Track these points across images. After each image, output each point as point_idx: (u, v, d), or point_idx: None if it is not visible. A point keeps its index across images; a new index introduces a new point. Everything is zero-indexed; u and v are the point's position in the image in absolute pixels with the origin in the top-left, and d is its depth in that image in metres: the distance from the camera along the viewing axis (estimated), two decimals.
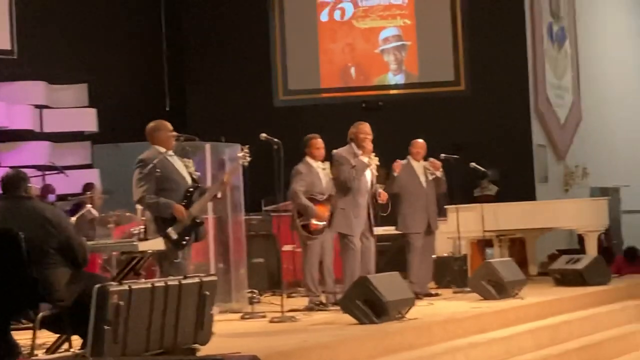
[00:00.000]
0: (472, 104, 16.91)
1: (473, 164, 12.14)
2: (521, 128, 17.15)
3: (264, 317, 9.08)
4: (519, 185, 16.15)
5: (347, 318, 8.44)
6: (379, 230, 10.37)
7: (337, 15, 17.55)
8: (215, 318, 6.67)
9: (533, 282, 12.01)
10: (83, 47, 15.52)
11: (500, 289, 10.25)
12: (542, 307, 10.02)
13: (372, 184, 9.95)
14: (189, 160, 8.41)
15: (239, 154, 8.74)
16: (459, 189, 11.75)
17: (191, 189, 8.15)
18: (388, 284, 8.54)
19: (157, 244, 7.33)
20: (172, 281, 6.28)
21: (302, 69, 17.47)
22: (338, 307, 8.98)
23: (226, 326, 8.37)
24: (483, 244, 13.21)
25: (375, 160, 9.89)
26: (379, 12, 17.55)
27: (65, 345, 6.56)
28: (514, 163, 16.60)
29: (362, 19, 17.55)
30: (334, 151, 9.98)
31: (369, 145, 9.89)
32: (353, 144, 9.94)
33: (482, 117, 16.74)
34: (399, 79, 17.56)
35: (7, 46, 14.61)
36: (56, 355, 6.53)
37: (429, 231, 11.05)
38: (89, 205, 11.08)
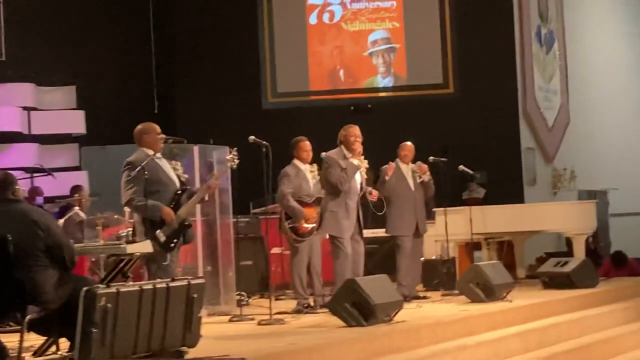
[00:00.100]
0: (460, 106, 16.93)
1: (461, 167, 12.16)
2: (509, 131, 17.19)
3: (252, 319, 9.07)
4: (507, 188, 16.17)
5: (335, 321, 8.43)
6: (367, 233, 10.37)
7: (326, 17, 17.56)
8: (203, 320, 6.66)
9: (521, 285, 12.01)
10: (71, 50, 15.49)
11: (489, 292, 10.26)
12: (530, 310, 10.03)
13: (361, 187, 9.96)
14: (177, 162, 8.41)
15: (227, 157, 8.75)
16: (447, 192, 11.75)
17: (179, 192, 8.14)
18: (376, 287, 8.53)
19: (145, 246, 7.32)
20: (160, 284, 6.27)
21: (291, 72, 17.47)
22: (326, 310, 8.97)
23: (214, 329, 8.36)
24: (471, 246, 13.22)
25: (364, 163, 9.91)
26: (367, 15, 17.56)
27: (53, 348, 6.54)
28: (502, 166, 16.63)
29: (351, 21, 17.55)
30: (324, 154, 9.98)
31: (359, 148, 9.90)
32: (343, 147, 9.95)
33: (471, 120, 16.76)
34: (388, 82, 17.58)
35: None
36: (44, 358, 6.50)
37: (418, 234, 11.07)
38: (76, 208, 11.05)
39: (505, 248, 13.69)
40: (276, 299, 10.52)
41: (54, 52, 15.26)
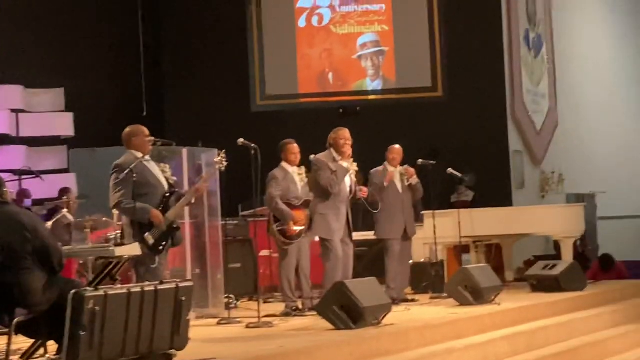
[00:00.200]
0: (449, 110, 16.95)
1: (450, 170, 12.18)
2: (498, 134, 17.22)
3: (240, 322, 9.07)
4: (495, 191, 16.19)
5: (324, 324, 8.43)
6: (356, 236, 10.38)
7: (315, 20, 17.57)
8: (191, 323, 6.65)
9: (509, 288, 12.03)
10: (60, 52, 15.46)
11: (477, 295, 10.28)
12: (518, 313, 10.04)
13: (351, 190, 9.96)
14: (166, 165, 8.40)
15: (216, 159, 8.75)
16: (435, 195, 11.76)
17: (168, 194, 8.13)
18: (365, 290, 8.54)
19: (133, 249, 7.30)
20: (149, 287, 6.25)
21: (280, 74, 17.47)
22: (315, 313, 8.97)
23: (203, 332, 8.36)
24: (460, 249, 13.23)
25: (354, 166, 9.91)
26: (357, 18, 17.57)
27: (41, 351, 6.53)
28: (491, 169, 16.65)
29: (340, 24, 17.56)
30: (313, 156, 9.98)
31: (349, 151, 9.90)
32: (332, 150, 9.94)
33: (459, 123, 16.78)
34: (377, 85, 17.59)
35: None
36: None
37: (406, 237, 11.08)
38: (64, 210, 11.04)
39: (494, 251, 13.71)
40: (265, 302, 10.51)
41: (42, 54, 15.23)
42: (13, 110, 14.73)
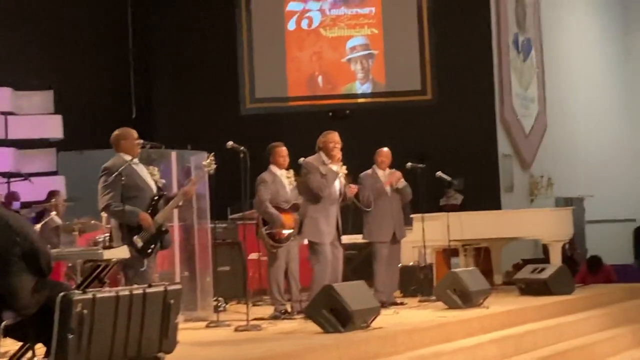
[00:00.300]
0: (438, 113, 16.98)
1: (439, 173, 12.18)
2: (487, 138, 17.25)
3: (229, 325, 9.05)
4: (484, 195, 16.22)
5: (313, 327, 8.43)
6: (345, 239, 10.38)
7: (304, 24, 17.57)
8: (180, 326, 6.64)
9: (498, 292, 12.05)
10: (49, 54, 15.44)
11: (466, 298, 10.29)
12: (506, 317, 10.05)
13: (340, 193, 9.95)
14: (155, 168, 8.40)
15: (204, 162, 8.74)
16: (424, 198, 11.77)
17: (156, 197, 8.13)
18: (353, 293, 8.54)
19: (122, 252, 7.29)
20: (137, 290, 6.25)
21: (270, 77, 17.47)
22: (303, 316, 8.97)
23: (191, 335, 8.34)
24: (449, 253, 13.24)
25: (343, 169, 9.90)
26: (346, 21, 17.59)
27: (29, 354, 6.51)
28: (480, 172, 16.68)
29: (329, 27, 17.58)
30: (302, 159, 9.97)
31: (338, 154, 9.88)
32: (322, 153, 9.92)
33: (448, 127, 16.81)
34: (366, 88, 17.61)
35: None
36: None
37: (395, 240, 11.08)
38: (53, 213, 11.01)
39: (483, 254, 13.72)
40: (253, 305, 10.51)
41: (31, 56, 15.21)
42: (2, 113, 14.71)
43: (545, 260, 13.67)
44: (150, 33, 17.72)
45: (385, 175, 11.12)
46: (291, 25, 17.57)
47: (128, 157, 8.09)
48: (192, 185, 8.53)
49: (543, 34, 19.86)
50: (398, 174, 11.15)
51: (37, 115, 15.17)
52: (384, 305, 10.10)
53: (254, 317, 9.20)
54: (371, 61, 17.54)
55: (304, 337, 8.17)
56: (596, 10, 23.17)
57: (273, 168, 9.97)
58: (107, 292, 6.12)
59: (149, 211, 8.01)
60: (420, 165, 11.60)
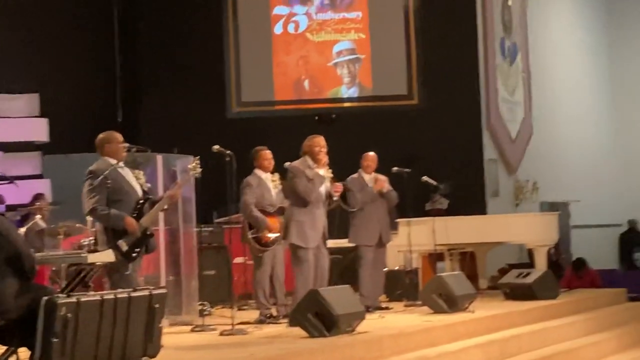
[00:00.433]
0: (424, 117, 16.98)
1: (425, 178, 12.20)
2: (473, 142, 17.26)
3: (214, 330, 9.04)
4: (470, 199, 16.23)
5: (298, 331, 8.43)
6: (331, 243, 10.37)
7: (291, 28, 17.57)
8: (165, 330, 6.63)
9: (483, 296, 12.06)
10: (34, 57, 15.39)
11: (451, 303, 10.30)
12: (492, 321, 10.07)
13: (326, 197, 9.94)
14: (140, 171, 8.38)
15: (190, 166, 8.72)
16: (410, 203, 11.78)
17: (142, 201, 8.11)
18: (339, 297, 8.54)
19: (106, 255, 7.29)
20: (122, 294, 6.23)
21: (256, 81, 17.45)
22: (289, 320, 8.96)
23: (176, 339, 8.33)
24: (434, 257, 13.25)
25: (329, 173, 9.89)
26: (333, 26, 17.59)
27: (13, 358, 6.48)
28: (466, 177, 16.68)
29: (316, 32, 17.58)
30: (288, 164, 9.95)
31: (324, 158, 9.86)
32: (307, 157, 9.90)
33: (435, 131, 16.82)
34: (353, 92, 17.61)
35: None
36: None
37: (381, 244, 11.08)
38: (37, 216, 10.98)
39: (468, 259, 13.74)
40: (239, 309, 10.50)
41: (17, 59, 15.15)
42: None
43: (531, 265, 13.69)
44: (137, 36, 17.68)
45: (371, 179, 11.13)
46: (278, 29, 17.57)
47: (113, 161, 8.07)
48: (177, 189, 8.51)
49: (529, 38, 19.90)
50: (382, 178, 11.16)
51: (22, 118, 15.12)
52: (369, 309, 10.09)
53: (239, 322, 9.19)
54: (358, 65, 17.55)
55: (289, 341, 8.16)
56: (582, 15, 23.23)
57: (258, 172, 9.97)
58: (91, 296, 6.10)
59: (134, 215, 7.99)
60: (406, 170, 11.62)
